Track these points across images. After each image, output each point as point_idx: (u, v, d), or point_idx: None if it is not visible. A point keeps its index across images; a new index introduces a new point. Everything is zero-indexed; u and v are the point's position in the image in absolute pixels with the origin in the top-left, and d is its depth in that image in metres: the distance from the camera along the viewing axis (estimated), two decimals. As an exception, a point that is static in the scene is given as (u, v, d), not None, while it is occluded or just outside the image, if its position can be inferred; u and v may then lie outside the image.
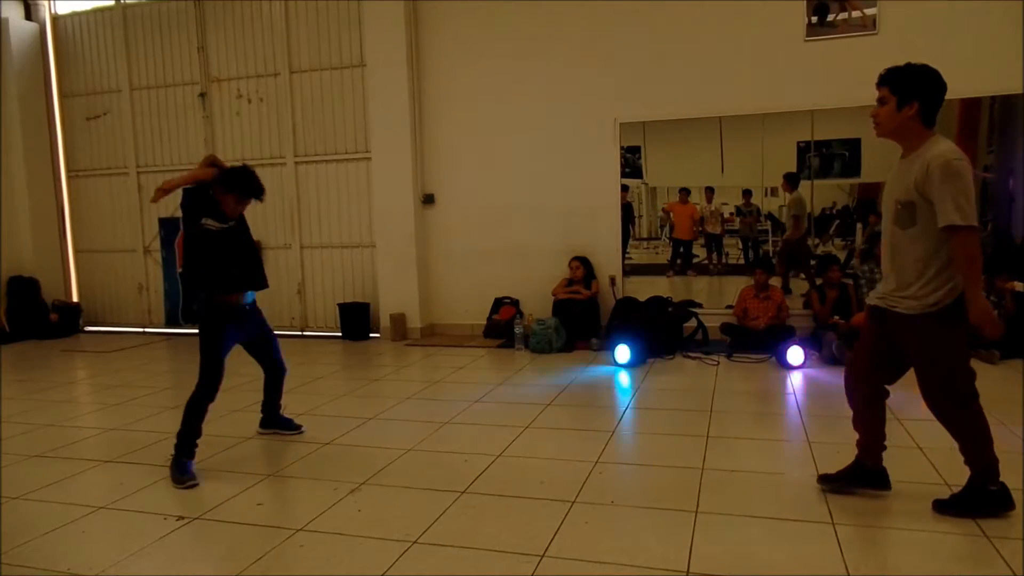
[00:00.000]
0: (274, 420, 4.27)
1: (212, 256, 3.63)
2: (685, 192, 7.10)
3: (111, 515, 3.16)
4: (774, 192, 6.84)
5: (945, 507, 2.84)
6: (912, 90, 2.69)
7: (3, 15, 8.68)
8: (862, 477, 3.01)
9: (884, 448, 3.03)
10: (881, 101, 2.77)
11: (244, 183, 3.66)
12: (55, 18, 9.12)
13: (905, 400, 4.56)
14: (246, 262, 3.79)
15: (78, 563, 2.72)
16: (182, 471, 3.50)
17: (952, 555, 2.54)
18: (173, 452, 3.58)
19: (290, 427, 4.27)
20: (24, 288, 8.69)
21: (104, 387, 5.87)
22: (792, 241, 6.84)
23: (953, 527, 2.73)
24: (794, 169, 6.72)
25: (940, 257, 2.68)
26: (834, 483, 3.06)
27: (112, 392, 5.54)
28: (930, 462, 3.43)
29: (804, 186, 6.75)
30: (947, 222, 2.58)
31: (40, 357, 7.49)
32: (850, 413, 4.52)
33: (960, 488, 2.88)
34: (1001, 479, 2.80)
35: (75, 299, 9.29)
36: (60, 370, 6.86)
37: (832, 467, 3.40)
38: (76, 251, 9.35)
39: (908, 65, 2.74)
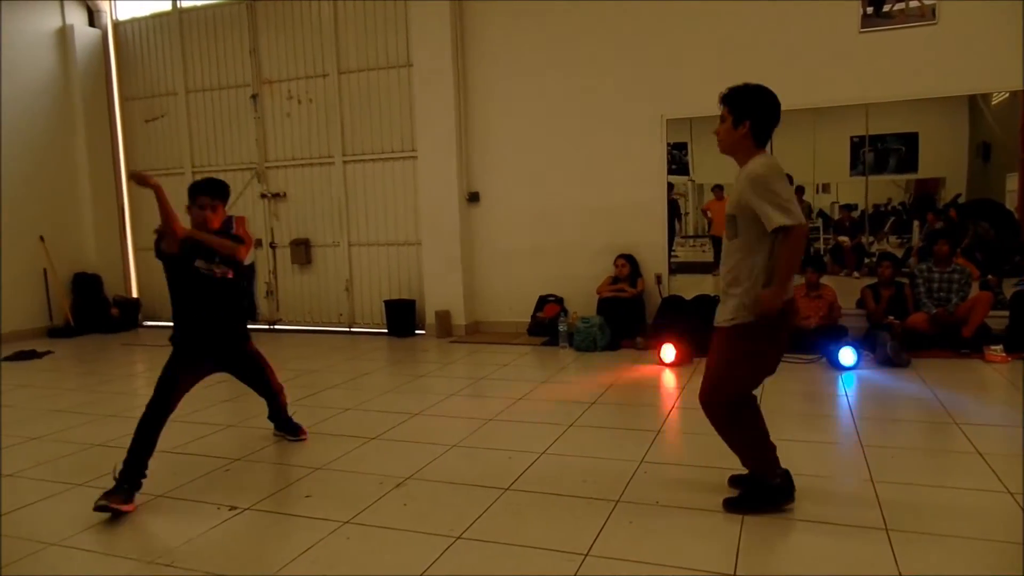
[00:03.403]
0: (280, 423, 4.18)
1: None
2: (719, 189, 7.01)
3: (168, 503, 3.28)
4: (826, 188, 6.69)
5: (735, 504, 2.92)
6: (745, 110, 2.79)
7: (68, 22, 9.05)
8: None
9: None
10: (722, 119, 2.86)
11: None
12: (116, 24, 9.47)
13: (962, 404, 4.42)
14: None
15: (134, 549, 2.83)
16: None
17: (1012, 564, 2.44)
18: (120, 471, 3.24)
19: (291, 431, 4.17)
20: (88, 284, 9.06)
21: (161, 380, 6.06)
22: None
23: (1012, 535, 2.63)
24: (847, 165, 6.55)
25: (751, 270, 2.75)
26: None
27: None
28: (990, 468, 3.30)
29: (858, 182, 6.57)
30: (774, 225, 2.64)
31: (102, 350, 7.80)
32: (903, 417, 4.41)
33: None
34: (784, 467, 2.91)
35: (135, 295, 9.64)
36: (120, 363, 7.14)
37: (887, 472, 3.31)
38: (135, 249, 9.69)
39: (745, 86, 2.84)
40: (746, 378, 2.90)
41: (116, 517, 3.09)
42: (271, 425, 4.21)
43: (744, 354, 2.82)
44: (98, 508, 3.07)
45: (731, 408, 2.90)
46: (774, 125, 2.84)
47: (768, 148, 2.89)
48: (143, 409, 3.37)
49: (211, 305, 3.61)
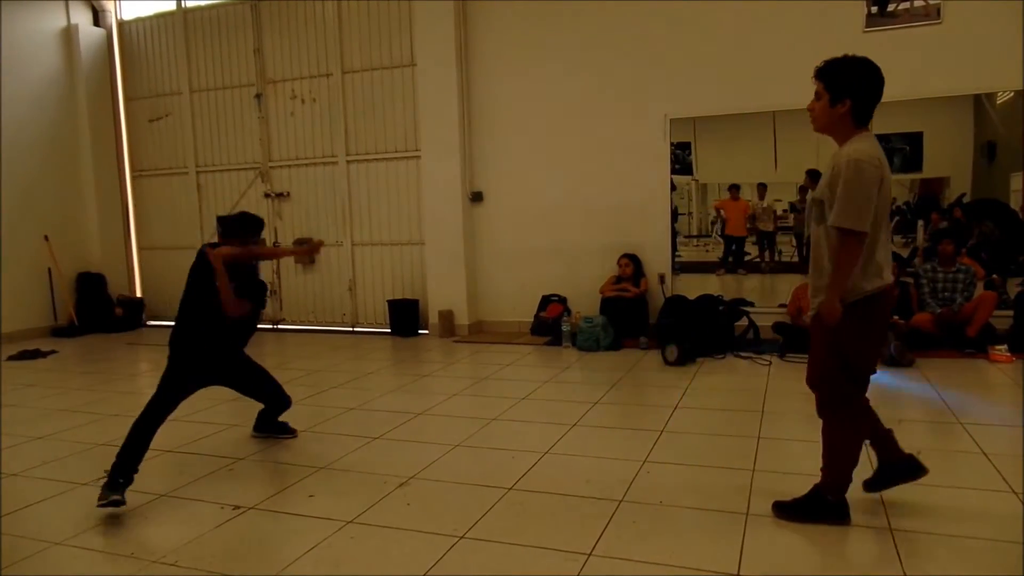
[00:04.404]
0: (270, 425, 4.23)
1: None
2: (735, 188, 6.99)
3: (172, 502, 3.28)
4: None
5: (785, 510, 2.85)
6: (846, 87, 2.56)
7: (73, 22, 9.07)
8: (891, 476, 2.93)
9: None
10: (817, 95, 2.64)
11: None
12: (121, 23, 9.48)
13: (967, 404, 4.41)
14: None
15: (141, 547, 2.83)
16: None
17: (1016, 565, 2.43)
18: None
19: (285, 431, 4.22)
20: (91, 284, 9.07)
21: (165, 379, 6.08)
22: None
23: (1017, 536, 2.62)
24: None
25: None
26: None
27: (173, 384, 5.73)
28: (995, 468, 3.29)
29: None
30: (834, 223, 2.53)
31: (106, 350, 7.81)
32: (907, 417, 4.39)
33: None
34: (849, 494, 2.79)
35: (139, 294, 9.66)
36: (125, 362, 7.15)
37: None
38: (139, 248, 9.72)
39: (845, 58, 2.60)
40: (855, 360, 2.68)
41: (119, 515, 3.10)
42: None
43: (846, 338, 2.63)
44: (104, 505, 3.07)
45: (845, 399, 2.71)
46: (877, 102, 2.60)
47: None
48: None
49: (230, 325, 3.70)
